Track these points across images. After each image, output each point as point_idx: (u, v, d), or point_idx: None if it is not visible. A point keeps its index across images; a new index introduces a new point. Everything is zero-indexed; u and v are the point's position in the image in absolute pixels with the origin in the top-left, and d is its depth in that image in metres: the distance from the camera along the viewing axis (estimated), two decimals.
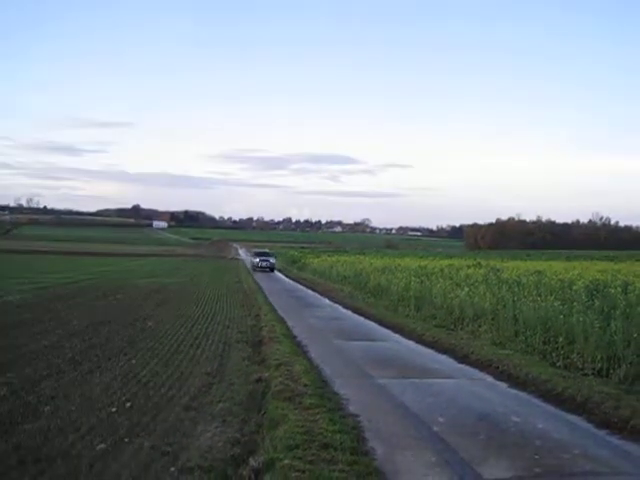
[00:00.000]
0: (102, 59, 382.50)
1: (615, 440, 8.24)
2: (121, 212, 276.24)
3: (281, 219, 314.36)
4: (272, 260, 56.35)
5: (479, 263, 39.20)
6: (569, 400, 10.07)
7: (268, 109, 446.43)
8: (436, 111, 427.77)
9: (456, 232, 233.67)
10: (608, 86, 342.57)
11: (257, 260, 55.81)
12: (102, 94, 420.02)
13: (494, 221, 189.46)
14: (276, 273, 53.60)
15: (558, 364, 12.56)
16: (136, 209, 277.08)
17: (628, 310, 13.49)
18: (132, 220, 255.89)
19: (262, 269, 53.68)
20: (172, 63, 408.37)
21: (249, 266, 59.82)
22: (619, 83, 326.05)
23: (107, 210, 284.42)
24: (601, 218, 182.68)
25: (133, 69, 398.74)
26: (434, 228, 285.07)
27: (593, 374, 11.55)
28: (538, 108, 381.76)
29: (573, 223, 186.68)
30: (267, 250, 64.35)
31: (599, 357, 11.88)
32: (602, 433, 8.57)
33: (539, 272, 27.34)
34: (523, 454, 7.44)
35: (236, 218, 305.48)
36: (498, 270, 30.40)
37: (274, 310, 23.10)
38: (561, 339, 13.31)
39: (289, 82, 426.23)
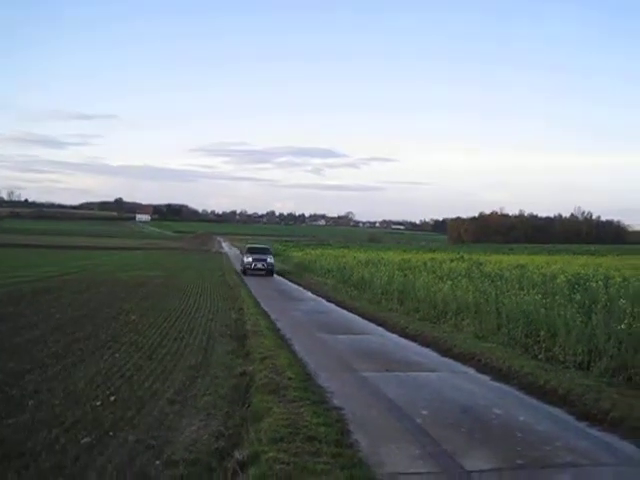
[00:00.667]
0: (85, 51, 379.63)
1: (595, 432, 8.35)
2: (104, 205, 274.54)
3: (265, 212, 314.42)
4: (270, 259, 42.12)
5: (462, 257, 39.50)
6: (551, 392, 10.17)
7: (251, 102, 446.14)
8: (420, 105, 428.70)
9: (439, 226, 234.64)
10: (593, 86, 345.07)
11: (249, 259, 41.59)
12: (85, 87, 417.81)
13: (477, 215, 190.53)
14: None
15: (540, 357, 12.67)
16: (119, 202, 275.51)
17: (609, 304, 13.60)
18: (115, 213, 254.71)
19: (256, 271, 40.73)
20: (155, 55, 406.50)
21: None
22: (605, 84, 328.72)
23: (90, 203, 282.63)
24: (583, 213, 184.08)
25: (116, 62, 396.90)
26: (417, 222, 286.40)
27: (574, 367, 11.66)
28: (522, 103, 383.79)
29: (555, 217, 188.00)
30: (262, 245, 49.83)
31: (580, 350, 11.99)
32: (583, 425, 8.67)
33: (521, 266, 27.57)
34: (505, 446, 7.52)
35: (219, 211, 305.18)
36: (481, 264, 30.61)
37: (258, 304, 23.12)
38: (543, 332, 13.42)
39: (272, 75, 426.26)
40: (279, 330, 16.77)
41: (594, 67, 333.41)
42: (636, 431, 8.07)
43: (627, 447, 7.72)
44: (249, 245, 48.87)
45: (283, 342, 14.82)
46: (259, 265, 41.04)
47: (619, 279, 17.55)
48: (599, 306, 13.32)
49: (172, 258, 61.49)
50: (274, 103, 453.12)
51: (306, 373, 11.25)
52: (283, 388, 9.67)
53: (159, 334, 15.00)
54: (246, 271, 41.18)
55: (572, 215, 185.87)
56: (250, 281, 34.60)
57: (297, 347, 14.21)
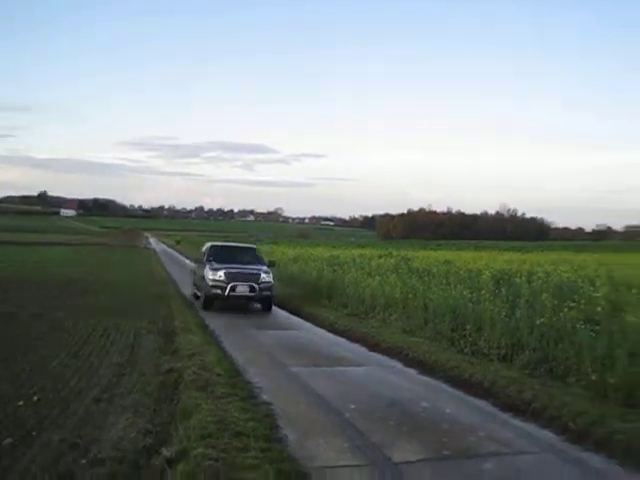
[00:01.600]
0: (9, 40, 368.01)
1: (518, 422, 8.61)
2: (26, 199, 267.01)
3: (193, 208, 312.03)
4: (265, 275, 20.65)
5: (390, 253, 39.88)
6: (476, 385, 10.42)
7: (181, 96, 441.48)
8: (351, 102, 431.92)
9: (368, 222, 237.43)
10: (521, 79, 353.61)
11: (220, 275, 20.05)
12: (8, 77, 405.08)
13: (406, 212, 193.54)
14: (184, 261, 44.28)
15: (466, 350, 12.94)
16: (42, 196, 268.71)
17: (532, 299, 13.99)
18: (38, 208, 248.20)
19: (236, 300, 20.56)
20: (81, 45, 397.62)
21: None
22: (531, 76, 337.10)
23: (11, 197, 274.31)
24: (508, 210, 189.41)
25: (39, 51, 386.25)
26: (347, 218, 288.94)
27: (499, 360, 11.96)
28: (448, 100, 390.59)
29: (482, 214, 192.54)
30: (242, 244, 28.08)
31: (504, 343, 12.30)
32: (506, 416, 8.93)
33: (449, 262, 28.07)
34: (432, 438, 7.68)
35: (147, 207, 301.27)
36: (409, 259, 31.04)
37: (190, 303, 22.84)
38: (469, 326, 13.70)
39: (202, 69, 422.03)
40: (208, 326, 16.64)
41: (530, 59, 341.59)
42: (556, 420, 8.37)
43: (547, 435, 8.02)
44: (216, 243, 25.35)
45: (212, 338, 14.72)
46: (243, 289, 20.17)
47: (542, 275, 18.06)
48: (522, 301, 13.68)
49: (99, 254, 60.13)
50: (204, 97, 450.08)
51: (235, 369, 11.21)
52: (212, 384, 9.60)
53: (85, 332, 14.66)
54: (209, 301, 20.50)
55: (498, 212, 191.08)
56: (178, 277, 33.95)
57: (226, 343, 14.13)
